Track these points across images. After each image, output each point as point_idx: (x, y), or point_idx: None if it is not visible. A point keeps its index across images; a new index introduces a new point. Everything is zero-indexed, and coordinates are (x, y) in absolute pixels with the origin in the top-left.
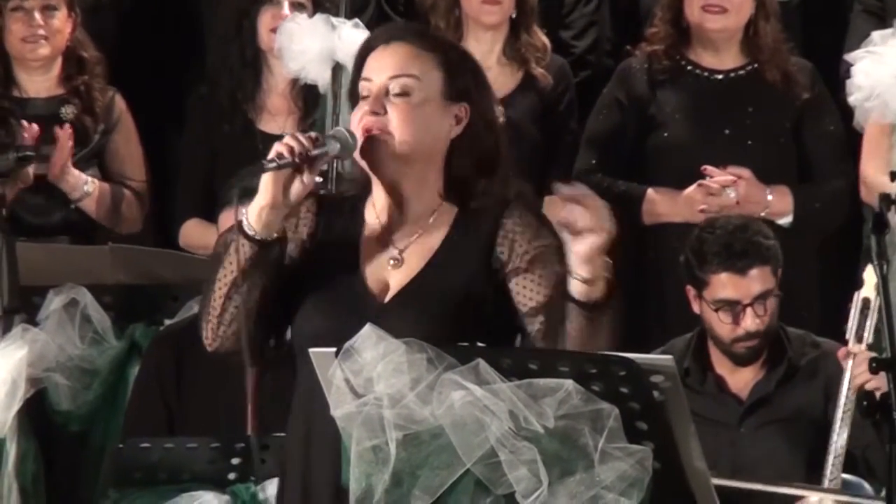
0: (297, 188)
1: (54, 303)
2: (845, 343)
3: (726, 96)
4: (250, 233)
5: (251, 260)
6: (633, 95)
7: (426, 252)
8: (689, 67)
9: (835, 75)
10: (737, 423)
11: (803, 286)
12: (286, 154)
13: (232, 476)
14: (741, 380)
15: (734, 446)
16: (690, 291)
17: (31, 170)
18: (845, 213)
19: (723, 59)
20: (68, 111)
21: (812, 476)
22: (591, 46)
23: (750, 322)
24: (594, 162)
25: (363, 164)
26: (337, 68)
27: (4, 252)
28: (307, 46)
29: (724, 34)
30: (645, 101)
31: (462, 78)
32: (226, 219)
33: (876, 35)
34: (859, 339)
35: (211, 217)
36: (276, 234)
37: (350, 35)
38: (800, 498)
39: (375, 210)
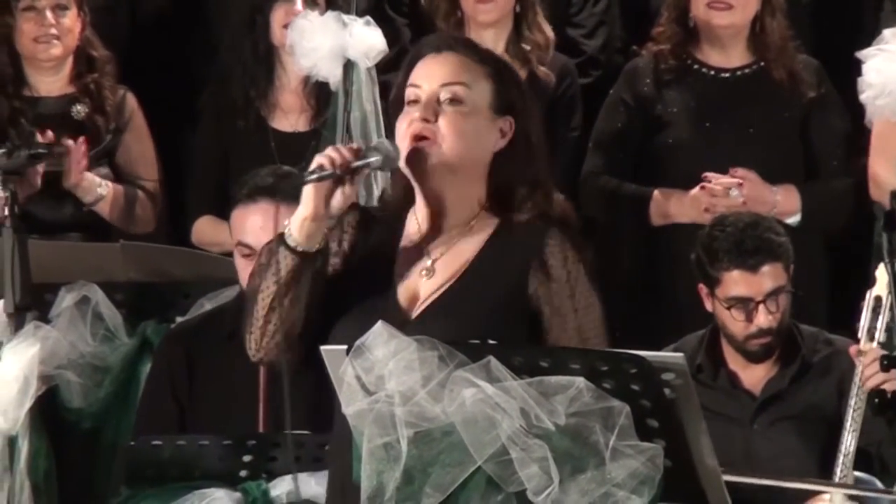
0: (338, 200)
1: (66, 300)
2: (857, 341)
3: (733, 95)
4: (292, 244)
5: (293, 272)
6: (640, 95)
7: (458, 264)
8: (695, 66)
9: (846, 73)
10: (749, 420)
11: (811, 284)
12: (328, 166)
13: (243, 473)
14: (754, 376)
15: (747, 442)
16: (703, 290)
17: (39, 174)
18: (852, 210)
19: (729, 57)
20: (79, 110)
21: (825, 473)
22: (602, 46)
23: (762, 319)
24: (601, 163)
25: (408, 172)
26: (348, 65)
27: (16, 249)
28: (319, 43)
29: (731, 31)
30: (651, 101)
31: (509, 91)
32: (237, 217)
33: (887, 33)
34: (871, 337)
35: (223, 214)
36: (318, 246)
37: (361, 32)
38: (812, 493)
39: (417, 220)
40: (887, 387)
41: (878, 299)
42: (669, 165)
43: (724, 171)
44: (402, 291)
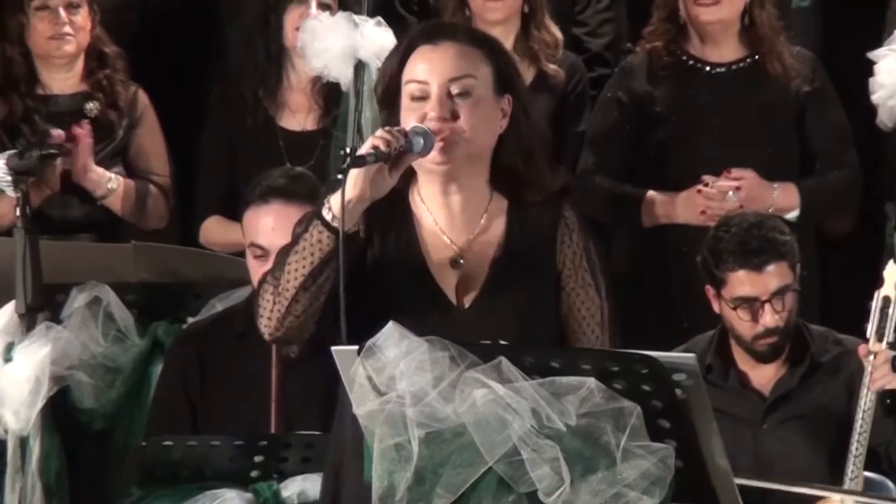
0: (384, 182)
1: (77, 301)
2: (865, 340)
3: (729, 89)
4: (335, 225)
5: (331, 252)
6: (635, 93)
7: (489, 250)
8: (690, 62)
9: (857, 74)
10: (759, 420)
11: (803, 280)
12: (383, 148)
13: (254, 474)
14: (764, 376)
15: (757, 442)
16: (709, 291)
17: (58, 175)
18: (850, 203)
19: (722, 51)
20: (92, 107)
21: (835, 473)
22: (607, 44)
23: (769, 318)
24: (595, 162)
25: (436, 165)
26: (359, 66)
27: (28, 250)
28: (330, 44)
29: (720, 26)
30: (646, 99)
31: (507, 70)
32: (249, 218)
33: None
34: (880, 337)
35: (231, 214)
36: (354, 229)
37: (373, 33)
38: (822, 497)
39: (425, 203)
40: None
41: (886, 299)
42: (666, 162)
43: (719, 166)
44: (444, 285)
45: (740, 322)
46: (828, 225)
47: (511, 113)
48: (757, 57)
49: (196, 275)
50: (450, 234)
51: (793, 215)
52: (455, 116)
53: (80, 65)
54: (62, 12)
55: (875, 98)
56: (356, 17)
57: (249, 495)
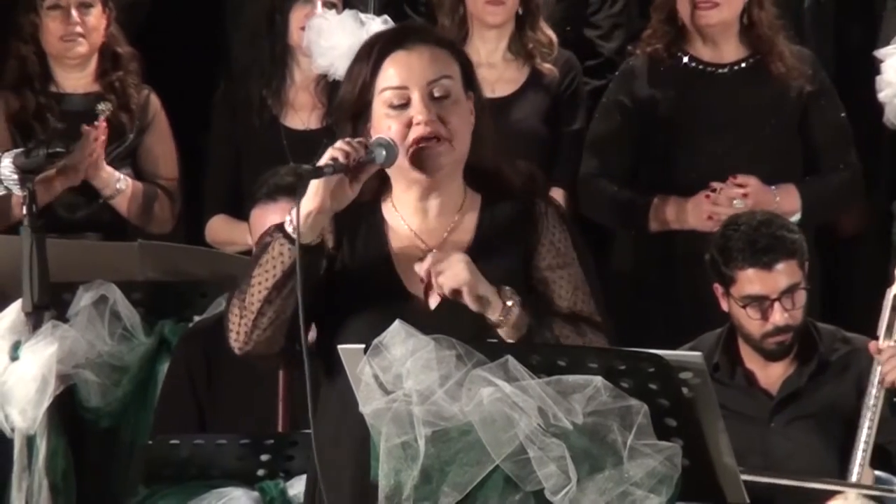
0: (345, 194)
1: (84, 299)
2: (874, 338)
3: (731, 90)
4: (295, 236)
5: (294, 265)
6: (636, 96)
7: (459, 249)
8: (692, 64)
9: (866, 72)
10: (767, 418)
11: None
12: (342, 159)
13: (261, 473)
14: (771, 375)
15: (764, 441)
16: (718, 289)
17: (80, 169)
18: (851, 204)
19: (723, 52)
20: (104, 108)
21: (843, 471)
22: (618, 48)
23: (778, 317)
24: (597, 166)
25: (413, 171)
26: None
27: (34, 248)
28: (336, 43)
29: (719, 27)
30: (648, 101)
31: (468, 67)
32: (257, 216)
33: None
34: (889, 334)
35: (237, 213)
36: (318, 240)
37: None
38: (831, 493)
39: (399, 211)
40: None
41: None
42: (669, 165)
43: (722, 167)
44: (412, 287)
45: (749, 321)
46: (840, 222)
47: (474, 109)
48: (758, 57)
49: (202, 273)
50: (423, 236)
51: (795, 218)
52: (443, 120)
53: (93, 65)
54: (74, 12)
55: (882, 96)
56: (362, 16)
57: (256, 494)
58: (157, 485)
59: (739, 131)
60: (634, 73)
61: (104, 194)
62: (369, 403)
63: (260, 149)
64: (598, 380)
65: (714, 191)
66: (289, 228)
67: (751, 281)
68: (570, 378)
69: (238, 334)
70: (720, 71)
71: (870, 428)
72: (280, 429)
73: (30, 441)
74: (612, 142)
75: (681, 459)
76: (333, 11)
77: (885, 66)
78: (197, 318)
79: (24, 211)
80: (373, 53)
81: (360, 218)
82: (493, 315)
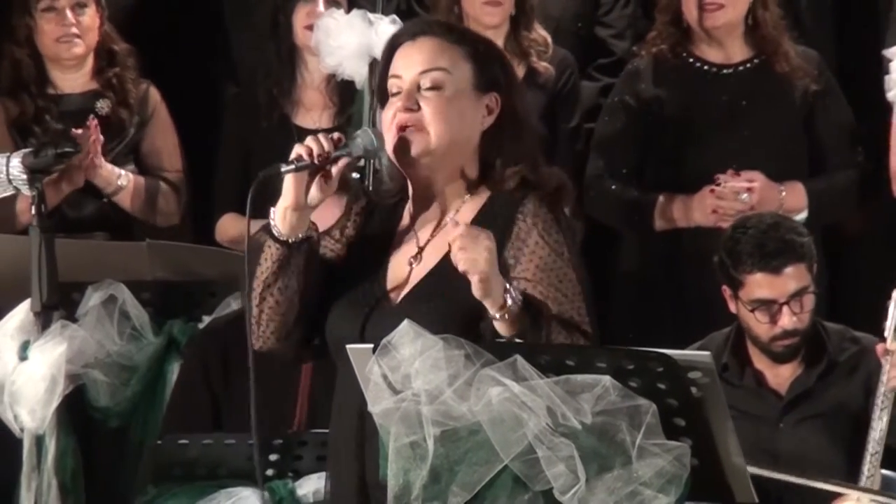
0: (316, 190)
1: (93, 299)
2: (883, 339)
3: (736, 91)
4: (276, 234)
5: (280, 261)
6: (642, 97)
7: (444, 247)
8: (697, 64)
9: (873, 71)
10: (776, 419)
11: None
12: (305, 156)
13: (270, 472)
14: (780, 375)
15: (773, 441)
16: (726, 291)
17: (82, 171)
18: (858, 203)
19: (728, 53)
20: (103, 105)
21: (852, 471)
22: (630, 47)
23: (787, 320)
24: (603, 166)
25: (395, 162)
26: (374, 64)
27: (43, 248)
28: (344, 42)
29: (725, 29)
30: (653, 102)
31: (492, 68)
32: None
33: None
34: None
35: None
36: (301, 235)
37: (387, 31)
38: (838, 494)
39: (409, 207)
40: None
41: None
42: (674, 165)
43: (728, 168)
44: (390, 277)
45: (758, 324)
46: (847, 221)
47: (500, 111)
48: (763, 57)
49: (211, 273)
50: (420, 232)
51: (801, 216)
52: (423, 111)
53: (89, 64)
54: (69, 13)
55: (890, 96)
56: (371, 15)
57: (265, 493)
58: (166, 484)
59: (745, 132)
60: (639, 74)
61: (106, 192)
62: (378, 403)
63: (271, 148)
64: (607, 379)
65: (718, 184)
66: (272, 228)
67: (759, 285)
68: (579, 377)
69: (253, 330)
70: (725, 71)
71: (880, 430)
72: (297, 424)
73: (39, 441)
74: (617, 142)
75: (690, 459)
76: (341, 11)
77: (893, 66)
78: (206, 318)
79: (33, 211)
80: (388, 44)
81: (386, 212)
82: (492, 309)
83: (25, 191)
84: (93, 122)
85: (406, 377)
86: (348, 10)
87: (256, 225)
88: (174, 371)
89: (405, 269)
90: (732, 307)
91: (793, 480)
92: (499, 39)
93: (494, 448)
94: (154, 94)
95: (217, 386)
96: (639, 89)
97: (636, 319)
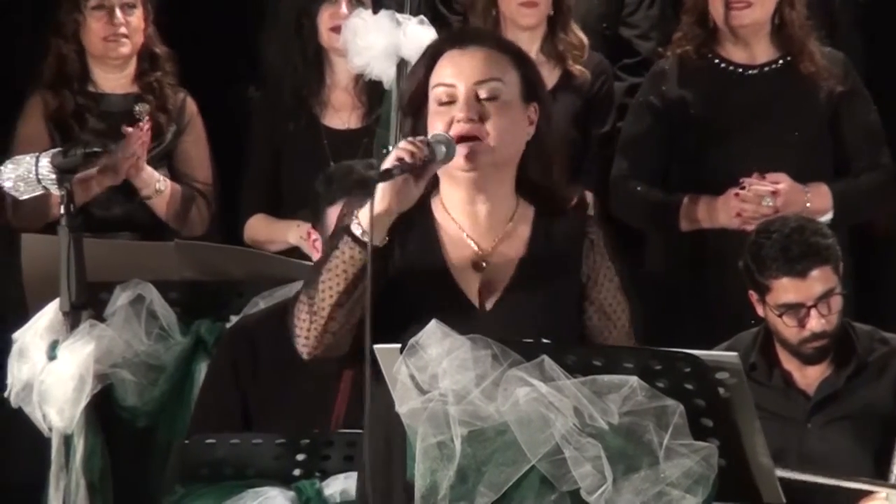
0: (411, 193)
1: (121, 299)
2: None
3: (761, 91)
4: (365, 240)
5: (364, 268)
6: (667, 98)
7: (514, 255)
8: (722, 65)
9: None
10: (804, 419)
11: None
12: (408, 159)
13: (297, 472)
14: (809, 376)
15: (801, 442)
16: (753, 296)
17: (123, 168)
18: (884, 205)
19: (754, 53)
20: (142, 109)
21: (880, 472)
22: (656, 48)
23: (815, 323)
24: (629, 167)
25: (460, 171)
26: (402, 64)
27: (72, 248)
28: (372, 42)
29: (752, 28)
30: (679, 102)
31: (533, 77)
32: (333, 215)
33: None
34: None
35: (276, 212)
36: (385, 242)
37: (415, 31)
38: (866, 493)
39: (449, 213)
40: None
41: None
42: (699, 165)
43: (753, 168)
44: (466, 288)
45: (786, 328)
46: (874, 222)
47: (537, 121)
48: (789, 58)
49: (239, 273)
50: (474, 237)
51: (826, 218)
52: (482, 119)
53: (132, 65)
54: (118, 13)
55: None
56: (399, 16)
57: (292, 493)
58: (193, 484)
59: (770, 132)
60: (665, 75)
61: (143, 194)
62: (405, 403)
63: (300, 149)
64: (634, 380)
65: (743, 187)
66: (356, 231)
67: (786, 290)
68: (606, 378)
69: (308, 339)
70: (751, 72)
71: None
72: (333, 426)
73: (67, 440)
74: (642, 143)
75: (717, 459)
76: (369, 11)
77: None
78: (234, 318)
79: (62, 210)
80: (430, 52)
81: (409, 217)
82: None
83: (54, 190)
84: (145, 123)
85: (433, 377)
86: (373, 11)
87: (274, 225)
88: (201, 371)
89: (473, 276)
90: (760, 311)
91: (820, 481)
92: (535, 42)
93: (521, 448)
94: (191, 105)
95: (245, 385)
96: (664, 90)
97: (660, 320)
